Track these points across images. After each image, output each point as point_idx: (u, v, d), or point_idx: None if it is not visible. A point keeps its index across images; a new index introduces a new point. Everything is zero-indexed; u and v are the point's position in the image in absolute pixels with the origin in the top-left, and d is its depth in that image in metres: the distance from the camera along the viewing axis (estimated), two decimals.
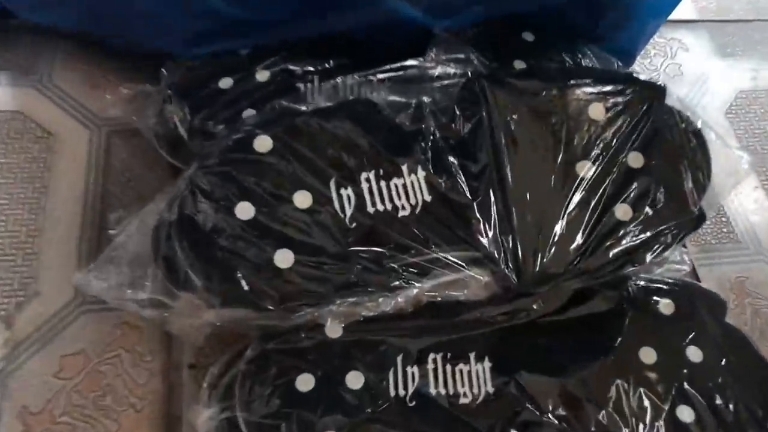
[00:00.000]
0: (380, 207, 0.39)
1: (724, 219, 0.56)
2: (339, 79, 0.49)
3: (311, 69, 0.49)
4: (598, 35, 0.56)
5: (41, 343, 0.45)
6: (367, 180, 0.40)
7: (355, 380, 0.37)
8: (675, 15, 0.66)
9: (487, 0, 0.48)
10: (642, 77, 0.47)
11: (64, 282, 0.48)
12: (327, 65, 0.50)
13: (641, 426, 0.37)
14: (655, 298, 0.42)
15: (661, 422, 0.38)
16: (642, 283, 0.43)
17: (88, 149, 0.53)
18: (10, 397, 0.43)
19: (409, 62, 0.48)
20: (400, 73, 0.49)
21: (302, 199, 0.39)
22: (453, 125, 0.42)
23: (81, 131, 0.54)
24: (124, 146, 0.54)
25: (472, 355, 0.39)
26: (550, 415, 0.37)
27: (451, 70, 0.48)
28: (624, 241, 0.40)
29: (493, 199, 0.40)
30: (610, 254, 0.39)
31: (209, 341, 0.45)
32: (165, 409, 0.44)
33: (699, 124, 0.45)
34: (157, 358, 0.45)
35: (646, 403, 0.38)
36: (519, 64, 0.51)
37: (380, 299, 0.38)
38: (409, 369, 0.37)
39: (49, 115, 0.55)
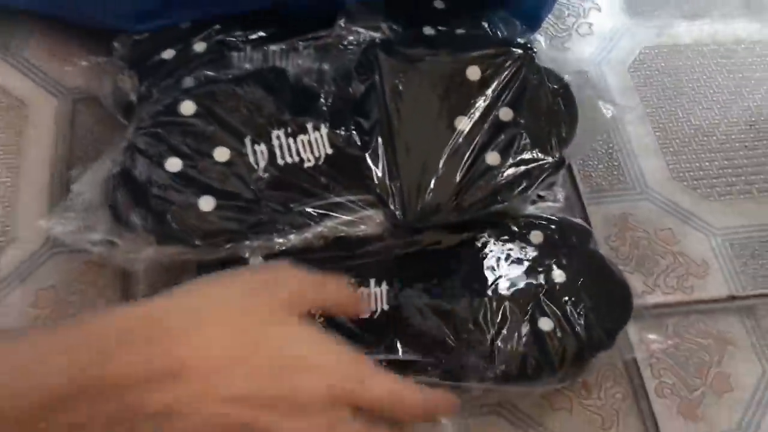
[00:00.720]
0: (288, 160, 0.47)
1: (616, 164, 0.63)
2: (266, 48, 0.57)
3: (242, 39, 0.57)
4: (504, 1, 0.63)
5: (19, 280, 0.54)
6: (278, 137, 0.47)
7: None
8: None
9: None
10: (521, 41, 0.54)
11: (35, 238, 0.56)
12: (256, 36, 0.57)
13: (504, 331, 0.46)
14: (527, 230, 0.50)
15: (523, 330, 0.46)
16: (521, 221, 0.51)
17: (55, 115, 0.61)
18: None
19: (323, 32, 0.55)
20: (318, 42, 0.56)
21: (221, 154, 0.46)
22: (350, 88, 0.49)
23: (49, 99, 0.61)
24: (87, 112, 0.61)
25: (372, 281, 0.47)
26: (426, 324, 0.45)
27: (362, 38, 0.56)
28: (492, 182, 0.48)
29: (382, 150, 0.47)
30: (480, 193, 0.47)
31: (160, 276, 0.53)
32: None
33: (566, 80, 0.52)
34: (116, 291, 0.54)
35: (509, 314, 0.46)
36: (428, 31, 0.58)
37: (290, 236, 0.46)
38: None
39: (19, 86, 0.62)
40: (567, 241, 0.50)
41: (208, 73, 0.51)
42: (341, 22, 0.55)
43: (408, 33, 0.57)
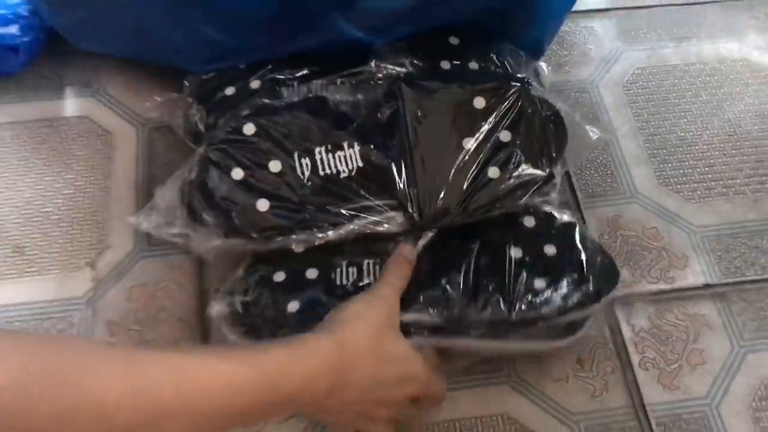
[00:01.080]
0: (328, 171, 0.59)
1: (609, 172, 0.74)
2: (310, 83, 0.69)
3: (290, 77, 0.69)
4: (509, 35, 0.73)
5: (115, 279, 0.66)
6: (320, 153, 0.59)
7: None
8: (589, 5, 0.83)
9: (409, 21, 0.67)
10: (520, 75, 0.65)
11: (127, 237, 0.69)
12: (301, 74, 0.69)
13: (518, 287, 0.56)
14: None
15: (536, 284, 0.56)
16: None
17: (136, 142, 0.74)
18: (98, 315, 0.64)
19: (357, 69, 0.67)
20: (353, 77, 0.68)
21: (275, 166, 0.58)
22: (378, 114, 0.61)
23: (131, 129, 0.74)
24: (162, 139, 0.73)
25: None
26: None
27: (389, 73, 0.67)
28: (493, 192, 0.58)
29: (403, 163, 0.59)
30: (483, 200, 0.58)
31: (225, 272, 0.65)
32: (200, 318, 0.65)
33: (561, 108, 0.62)
34: (193, 286, 0.66)
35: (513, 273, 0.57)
36: (445, 64, 0.69)
37: (329, 232, 0.58)
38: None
39: (106, 118, 0.75)
40: (552, 223, 0.60)
41: (265, 101, 0.63)
42: (372, 62, 0.67)
43: (427, 67, 0.69)
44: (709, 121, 0.77)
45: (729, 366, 0.64)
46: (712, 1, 0.85)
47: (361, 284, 0.57)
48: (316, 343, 0.48)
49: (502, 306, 0.54)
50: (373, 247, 0.59)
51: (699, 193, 0.72)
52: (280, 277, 0.57)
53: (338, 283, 0.57)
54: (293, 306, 0.56)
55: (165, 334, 0.63)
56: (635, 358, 0.64)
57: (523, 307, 0.54)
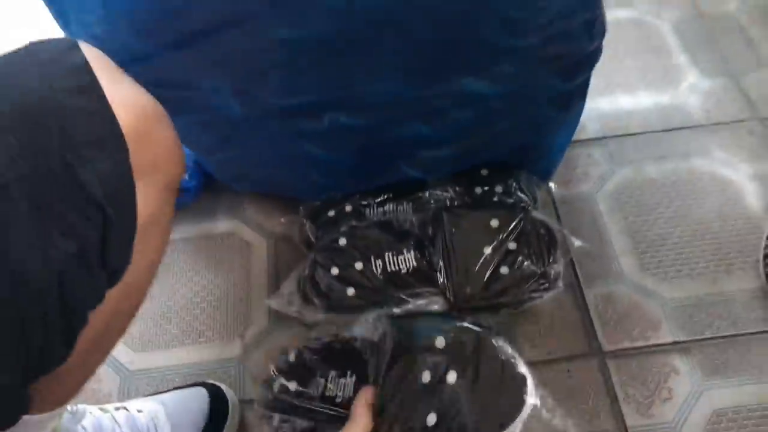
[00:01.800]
0: (393, 269, 0.89)
1: (605, 260, 1.00)
2: (384, 206, 1.00)
3: (371, 202, 1.01)
4: (525, 166, 1.03)
5: (257, 344, 0.98)
6: (388, 257, 0.90)
7: None
8: (588, 135, 1.11)
9: (451, 164, 0.97)
10: (523, 205, 0.95)
11: (264, 315, 1.01)
12: (378, 200, 1.01)
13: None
14: None
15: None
16: None
17: (267, 250, 1.07)
18: (247, 371, 0.96)
19: (416, 195, 0.98)
20: (413, 201, 0.99)
21: (359, 265, 0.89)
22: (428, 231, 0.91)
23: (264, 240, 1.08)
24: (285, 247, 1.06)
25: None
26: None
27: (438, 197, 0.98)
28: (503, 284, 0.87)
29: (442, 264, 0.89)
30: (497, 289, 0.86)
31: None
32: None
33: (553, 227, 0.91)
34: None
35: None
36: (477, 190, 1.00)
37: (394, 309, 0.88)
38: None
39: (246, 233, 1.09)
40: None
41: (353, 223, 0.95)
42: (426, 192, 0.98)
43: (464, 192, 0.99)
44: (680, 221, 1.03)
45: (689, 401, 0.88)
46: (685, 127, 1.12)
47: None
48: None
49: None
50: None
51: (670, 275, 0.98)
52: None
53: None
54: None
55: None
56: (621, 394, 0.89)
57: None
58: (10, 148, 0.49)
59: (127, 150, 0.54)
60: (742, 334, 0.92)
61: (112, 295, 0.54)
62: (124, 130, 0.54)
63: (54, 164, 0.51)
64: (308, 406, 0.80)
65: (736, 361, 0.90)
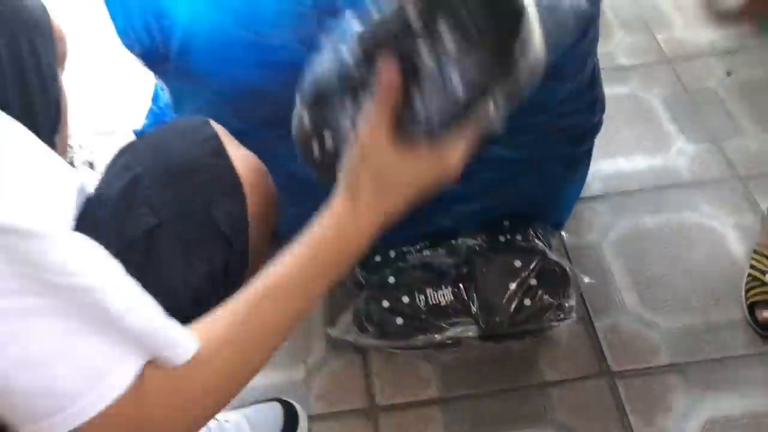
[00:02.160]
0: (434, 302, 1.07)
1: (612, 297, 1.18)
2: (424, 251, 1.19)
3: (413, 249, 1.19)
4: (540, 218, 1.22)
5: (320, 368, 1.15)
6: (429, 292, 1.08)
7: None
8: (593, 192, 1.30)
9: (480, 217, 1.17)
10: (540, 249, 1.13)
11: (322, 346, 1.18)
12: (419, 246, 1.19)
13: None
14: None
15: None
16: None
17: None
18: (311, 391, 1.13)
19: (450, 242, 1.17)
20: (448, 247, 1.18)
21: (405, 299, 1.08)
22: (463, 270, 1.10)
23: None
24: (336, 287, 1.26)
25: None
26: None
27: (469, 243, 1.17)
28: (526, 314, 1.05)
29: (476, 296, 1.07)
30: (521, 319, 1.05)
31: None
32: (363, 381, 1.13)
33: (566, 266, 1.10)
34: (360, 369, 1.15)
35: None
36: (501, 238, 1.18)
37: (436, 336, 1.05)
38: None
39: None
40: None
41: (400, 264, 1.14)
42: (459, 239, 1.17)
43: (490, 239, 1.18)
44: (674, 263, 1.21)
45: (686, 412, 1.04)
46: (675, 185, 1.32)
47: None
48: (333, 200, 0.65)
49: None
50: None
51: (666, 309, 1.16)
52: None
53: None
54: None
55: (344, 398, 1.11)
56: (628, 407, 1.05)
57: None
58: (164, 197, 0.70)
59: (245, 197, 0.75)
60: (729, 357, 1.09)
61: None
62: (242, 182, 0.74)
63: (196, 208, 0.71)
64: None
65: (724, 379, 1.07)
